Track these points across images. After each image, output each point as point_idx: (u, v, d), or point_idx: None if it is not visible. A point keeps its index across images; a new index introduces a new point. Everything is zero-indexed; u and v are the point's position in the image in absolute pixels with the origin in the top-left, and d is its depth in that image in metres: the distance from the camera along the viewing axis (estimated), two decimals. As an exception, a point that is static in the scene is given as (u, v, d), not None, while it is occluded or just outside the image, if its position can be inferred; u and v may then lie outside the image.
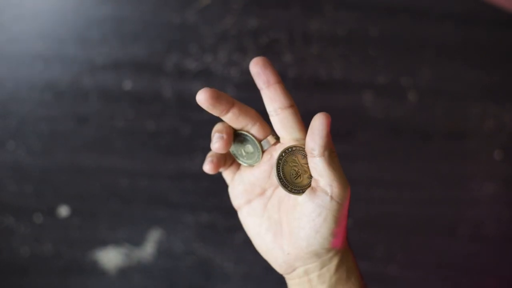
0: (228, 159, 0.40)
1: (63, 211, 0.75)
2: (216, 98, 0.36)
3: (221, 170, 0.40)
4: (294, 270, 0.38)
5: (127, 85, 0.74)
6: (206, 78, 0.74)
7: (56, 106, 0.74)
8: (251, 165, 0.40)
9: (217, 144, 0.37)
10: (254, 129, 0.38)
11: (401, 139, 0.75)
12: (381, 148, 0.75)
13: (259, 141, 0.38)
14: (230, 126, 0.38)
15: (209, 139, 0.74)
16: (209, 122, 0.75)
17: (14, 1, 0.73)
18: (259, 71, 0.36)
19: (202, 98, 0.35)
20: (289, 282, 0.40)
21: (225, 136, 0.37)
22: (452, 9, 0.75)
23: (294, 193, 0.37)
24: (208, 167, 0.38)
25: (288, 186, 0.37)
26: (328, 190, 0.35)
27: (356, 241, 0.76)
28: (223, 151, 0.37)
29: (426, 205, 0.76)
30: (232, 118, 0.37)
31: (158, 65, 0.74)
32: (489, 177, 0.75)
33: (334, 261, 0.37)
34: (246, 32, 0.74)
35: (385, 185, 0.75)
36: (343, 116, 0.75)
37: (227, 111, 0.37)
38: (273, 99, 0.36)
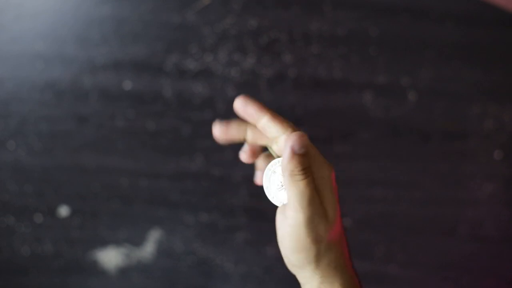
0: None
1: (64, 211, 0.75)
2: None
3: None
4: (296, 274, 0.39)
5: (127, 85, 0.74)
6: (206, 78, 0.74)
7: (57, 106, 0.74)
8: None
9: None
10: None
11: (401, 139, 0.75)
12: (381, 148, 0.75)
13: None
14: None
15: (209, 139, 0.74)
16: (209, 122, 0.75)
17: (15, 1, 0.73)
18: (242, 112, 0.38)
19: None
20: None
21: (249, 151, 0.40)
22: (452, 9, 0.75)
23: (274, 202, 0.38)
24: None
25: (271, 194, 0.38)
26: (286, 208, 0.37)
27: (356, 241, 0.76)
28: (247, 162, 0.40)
29: (426, 205, 0.76)
30: (250, 140, 0.39)
31: (158, 65, 0.74)
32: (489, 177, 0.75)
33: (314, 282, 0.37)
34: (246, 32, 0.74)
35: (385, 185, 0.75)
36: (343, 116, 0.75)
37: (242, 138, 0.39)
38: (268, 132, 0.37)
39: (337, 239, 0.38)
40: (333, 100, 0.75)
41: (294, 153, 0.35)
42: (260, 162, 0.41)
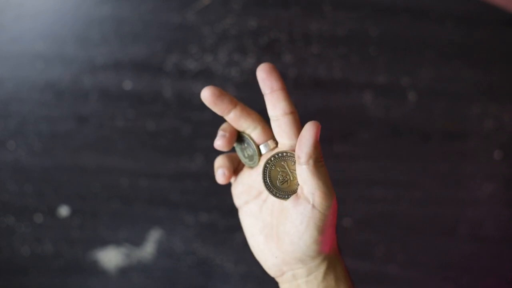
0: (240, 165, 0.41)
1: (64, 211, 0.75)
2: (218, 96, 0.37)
3: (231, 179, 0.41)
4: (283, 274, 0.39)
5: (127, 85, 0.74)
6: (206, 78, 0.74)
7: (56, 106, 0.74)
8: (251, 167, 0.40)
9: (218, 141, 0.38)
10: (255, 132, 0.39)
11: (401, 139, 0.75)
12: (381, 148, 0.75)
13: (258, 145, 0.39)
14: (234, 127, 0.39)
15: (209, 139, 0.74)
16: (209, 122, 0.75)
17: (15, 1, 0.73)
18: (264, 76, 0.37)
19: (205, 94, 0.37)
20: (281, 286, 0.40)
21: (227, 134, 0.38)
22: (452, 9, 0.75)
23: (278, 197, 0.37)
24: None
25: (273, 190, 0.37)
26: (310, 198, 0.36)
27: (356, 241, 0.76)
28: (224, 149, 0.39)
29: (426, 205, 0.76)
30: (234, 119, 0.38)
31: (158, 65, 0.74)
32: (489, 177, 0.75)
33: (321, 269, 0.37)
34: (246, 32, 0.74)
35: (385, 185, 0.75)
36: (343, 116, 0.75)
37: (229, 111, 0.38)
38: (275, 105, 0.37)
39: None
40: (333, 100, 0.75)
41: (317, 141, 0.35)
42: (221, 160, 0.40)
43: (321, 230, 0.36)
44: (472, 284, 0.76)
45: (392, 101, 0.75)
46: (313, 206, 0.35)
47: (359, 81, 0.75)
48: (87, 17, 0.74)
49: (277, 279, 0.40)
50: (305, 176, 0.36)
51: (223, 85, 0.74)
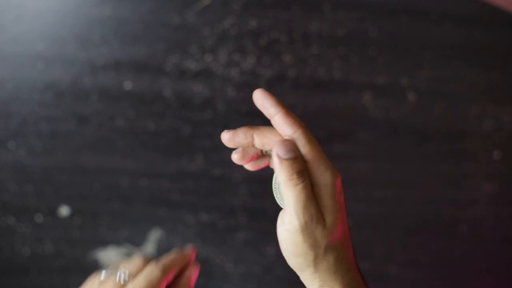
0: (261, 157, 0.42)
1: (64, 211, 0.75)
2: (232, 138, 0.39)
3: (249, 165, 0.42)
4: (298, 274, 0.40)
5: (128, 85, 0.74)
6: (206, 78, 0.74)
7: (57, 106, 0.74)
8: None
9: (235, 154, 0.40)
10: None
11: (400, 139, 0.75)
12: (381, 148, 0.75)
13: None
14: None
15: (209, 139, 0.75)
16: (209, 122, 0.75)
17: (15, 2, 0.74)
18: (260, 104, 0.38)
19: (223, 138, 0.39)
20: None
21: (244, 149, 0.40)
22: (452, 10, 0.75)
23: (281, 206, 0.39)
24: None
25: (279, 198, 0.39)
26: (284, 213, 0.37)
27: (356, 241, 0.76)
28: (239, 162, 0.40)
29: (426, 205, 0.76)
30: (258, 146, 0.39)
31: (158, 65, 0.74)
32: (489, 177, 0.76)
33: (315, 286, 0.38)
34: (246, 32, 0.74)
35: (385, 185, 0.75)
36: (343, 116, 0.75)
37: (247, 143, 0.39)
38: (279, 128, 0.38)
39: (337, 244, 0.38)
40: (333, 100, 0.75)
41: (281, 159, 0.36)
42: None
43: (294, 243, 0.37)
44: (472, 284, 0.76)
45: (392, 101, 0.75)
46: (283, 222, 0.37)
47: (358, 81, 0.75)
48: (88, 17, 0.74)
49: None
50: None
51: (223, 85, 0.74)
